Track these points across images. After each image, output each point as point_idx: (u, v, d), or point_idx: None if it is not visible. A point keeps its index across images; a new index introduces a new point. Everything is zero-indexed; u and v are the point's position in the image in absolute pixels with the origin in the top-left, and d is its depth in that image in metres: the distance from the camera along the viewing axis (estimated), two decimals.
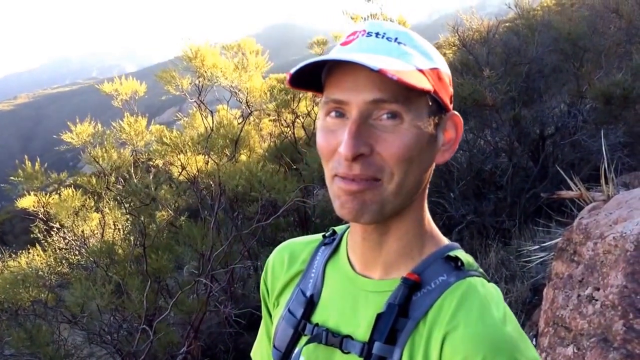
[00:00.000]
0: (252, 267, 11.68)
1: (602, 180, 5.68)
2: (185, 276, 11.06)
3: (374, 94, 1.23)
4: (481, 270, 1.41)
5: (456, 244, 1.46)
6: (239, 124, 10.64)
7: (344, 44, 1.34)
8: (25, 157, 10.24)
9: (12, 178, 10.12)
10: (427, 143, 1.31)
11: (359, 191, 1.27)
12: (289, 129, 12.91)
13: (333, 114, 1.30)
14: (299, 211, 11.67)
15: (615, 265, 3.68)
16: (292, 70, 1.26)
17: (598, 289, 3.76)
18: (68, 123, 9.34)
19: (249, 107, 10.60)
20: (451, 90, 1.39)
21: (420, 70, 1.27)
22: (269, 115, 12.98)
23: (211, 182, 10.12)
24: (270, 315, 1.69)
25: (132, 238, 10.27)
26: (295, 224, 11.95)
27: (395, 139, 1.25)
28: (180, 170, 10.43)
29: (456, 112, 1.39)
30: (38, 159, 10.38)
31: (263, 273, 1.73)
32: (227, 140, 10.12)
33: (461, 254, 1.41)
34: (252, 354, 1.79)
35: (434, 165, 1.39)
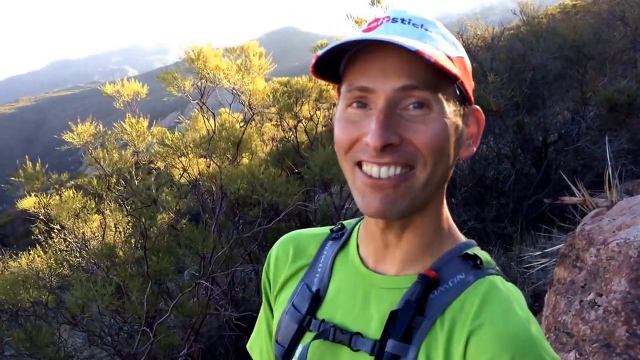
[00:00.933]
0: (253, 271, 11.64)
1: (606, 187, 5.66)
2: (186, 279, 11.03)
3: (403, 80, 1.20)
4: (498, 268, 1.38)
5: (473, 242, 1.43)
6: (241, 126, 10.62)
7: (367, 30, 1.30)
8: (27, 157, 10.22)
9: (12, 179, 10.08)
10: (455, 135, 1.28)
11: (390, 187, 1.24)
12: (291, 133, 12.87)
13: (355, 104, 1.27)
14: (300, 216, 11.63)
15: (618, 271, 3.66)
16: (320, 52, 1.23)
17: (601, 295, 3.74)
18: (69, 123, 9.33)
19: (251, 110, 10.58)
20: (473, 82, 1.37)
21: (449, 57, 1.24)
22: (271, 120, 12.95)
23: (212, 185, 10.09)
24: (271, 309, 1.66)
25: (133, 240, 10.25)
26: (297, 228, 11.88)
27: (425, 128, 1.22)
28: (181, 173, 10.41)
29: (478, 107, 1.37)
30: (39, 160, 10.36)
31: (265, 264, 1.70)
32: (229, 143, 10.09)
33: (479, 251, 1.38)
34: (248, 347, 1.76)
35: (456, 160, 1.35)
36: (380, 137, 1.19)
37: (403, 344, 1.24)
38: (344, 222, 1.62)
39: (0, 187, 11.78)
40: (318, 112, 13.05)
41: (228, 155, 10.18)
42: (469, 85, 1.33)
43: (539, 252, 6.70)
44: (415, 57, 1.16)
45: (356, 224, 1.56)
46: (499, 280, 1.31)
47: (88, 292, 8.51)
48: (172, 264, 9.78)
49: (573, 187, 6.30)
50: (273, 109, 11.76)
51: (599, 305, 3.72)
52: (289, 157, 12.37)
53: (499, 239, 9.10)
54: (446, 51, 1.25)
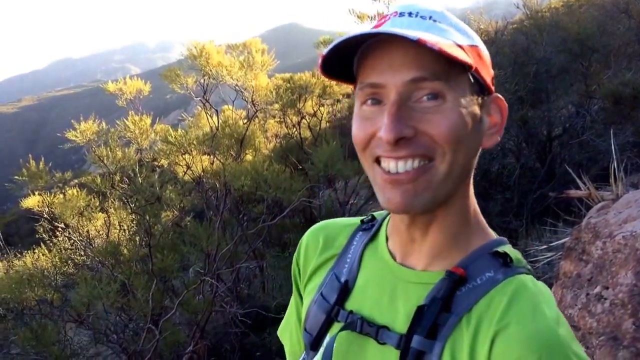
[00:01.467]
0: (258, 268, 11.67)
1: (612, 180, 5.63)
2: (191, 277, 11.05)
3: (412, 73, 1.18)
4: (529, 267, 1.34)
5: (504, 239, 1.39)
6: (244, 123, 10.61)
7: (376, 27, 1.27)
8: (30, 156, 10.23)
9: (16, 177, 10.08)
10: (473, 124, 1.25)
11: (409, 181, 1.22)
12: (294, 129, 12.88)
13: (369, 101, 1.25)
14: (304, 212, 11.65)
15: (625, 264, 3.64)
16: (325, 51, 1.21)
17: (607, 288, 3.73)
18: (72, 121, 9.33)
19: (254, 106, 10.58)
20: (492, 71, 1.33)
21: (459, 46, 1.21)
22: (274, 117, 12.96)
23: (216, 182, 10.10)
24: (301, 296, 1.66)
25: (137, 238, 10.26)
26: (302, 225, 11.92)
27: (440, 119, 1.20)
28: (185, 170, 10.42)
29: (499, 95, 1.34)
30: (42, 158, 10.36)
31: (295, 253, 1.70)
32: (233, 140, 10.10)
33: (509, 249, 1.34)
34: (279, 333, 1.78)
35: (480, 150, 1.33)
36: (392, 130, 1.18)
37: (429, 340, 1.23)
38: (375, 214, 1.60)
39: (4, 186, 11.78)
40: (322, 108, 13.05)
41: (231, 152, 10.19)
42: (487, 73, 1.30)
43: (545, 246, 6.67)
44: (422, 49, 1.14)
45: (387, 215, 1.54)
46: (529, 280, 1.27)
47: (93, 290, 8.52)
48: (176, 261, 9.80)
49: (578, 181, 6.26)
50: (276, 106, 11.76)
51: (605, 299, 3.70)
52: (292, 154, 12.38)
53: (504, 234, 9.07)
54: (456, 40, 1.22)
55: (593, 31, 10.87)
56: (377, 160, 1.27)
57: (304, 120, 12.95)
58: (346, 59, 1.27)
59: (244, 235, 10.24)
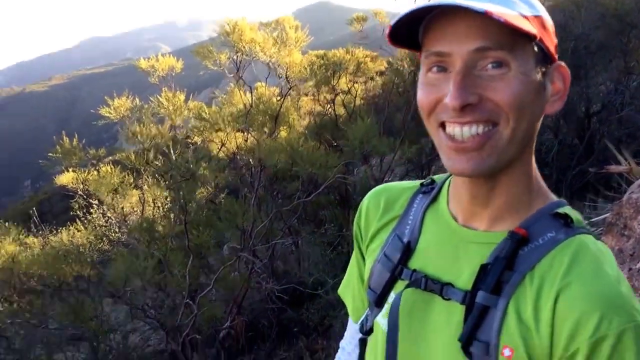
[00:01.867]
0: (293, 244, 11.72)
1: None
2: (226, 254, 11.10)
3: (477, 42, 1.21)
4: (589, 227, 1.37)
5: (563, 201, 1.42)
6: (278, 100, 10.61)
7: None
8: (63, 133, 10.26)
9: (49, 154, 10.12)
10: (536, 92, 1.27)
11: (474, 149, 1.26)
12: (328, 106, 12.86)
13: (435, 69, 1.29)
14: (339, 189, 11.63)
15: None
16: (392, 22, 1.25)
17: None
18: (106, 98, 9.36)
19: (288, 82, 10.56)
20: (555, 40, 1.35)
21: (524, 17, 1.22)
22: (307, 94, 12.94)
23: (250, 159, 10.11)
24: (363, 257, 1.72)
25: (172, 215, 10.30)
26: (337, 202, 11.93)
27: (504, 86, 1.22)
28: (219, 147, 10.43)
29: (562, 63, 1.35)
30: (76, 135, 10.40)
31: (356, 216, 1.76)
32: (267, 117, 10.10)
33: (570, 210, 1.38)
34: (340, 292, 1.88)
35: (542, 116, 1.35)
36: (458, 97, 1.21)
37: (493, 295, 1.27)
38: (434, 177, 1.65)
39: (37, 164, 11.85)
40: (356, 85, 13.02)
41: (265, 129, 10.19)
42: (551, 42, 1.32)
43: (586, 222, 6.61)
44: (487, 19, 1.16)
45: (446, 179, 1.59)
46: (590, 240, 1.30)
47: (130, 266, 8.58)
48: (212, 237, 9.84)
49: (618, 156, 6.22)
50: (310, 83, 11.74)
51: None
52: (327, 131, 12.37)
53: None
54: (521, 11, 1.23)
55: (631, 7, 10.77)
56: (442, 125, 1.30)
57: (337, 98, 12.93)
58: (412, 28, 1.30)
59: (279, 212, 10.26)
